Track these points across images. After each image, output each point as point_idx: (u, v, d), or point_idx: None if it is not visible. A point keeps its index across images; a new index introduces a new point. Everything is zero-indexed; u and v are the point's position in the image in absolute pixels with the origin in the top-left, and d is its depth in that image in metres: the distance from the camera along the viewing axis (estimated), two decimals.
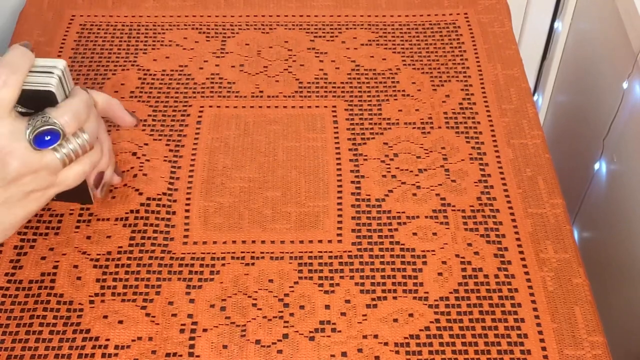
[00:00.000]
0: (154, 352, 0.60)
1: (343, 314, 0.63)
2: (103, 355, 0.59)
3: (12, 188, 0.56)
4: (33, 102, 0.57)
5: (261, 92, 0.81)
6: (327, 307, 0.63)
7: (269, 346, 0.60)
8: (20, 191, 0.57)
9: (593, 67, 1.10)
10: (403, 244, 0.67)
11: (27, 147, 0.56)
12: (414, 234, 0.68)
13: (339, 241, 0.68)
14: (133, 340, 0.60)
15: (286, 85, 0.82)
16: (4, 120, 0.55)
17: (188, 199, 0.71)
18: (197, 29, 0.88)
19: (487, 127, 0.78)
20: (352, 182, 0.72)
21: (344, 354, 0.60)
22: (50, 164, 0.57)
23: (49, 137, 0.56)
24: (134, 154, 0.74)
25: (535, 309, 0.63)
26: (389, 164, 0.74)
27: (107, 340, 0.60)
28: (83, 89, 0.61)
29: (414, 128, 0.77)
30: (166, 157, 0.74)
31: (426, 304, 0.63)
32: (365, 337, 0.61)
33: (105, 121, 0.69)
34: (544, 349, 0.61)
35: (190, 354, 0.60)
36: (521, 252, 0.67)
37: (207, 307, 0.63)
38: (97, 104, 0.65)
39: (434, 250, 0.67)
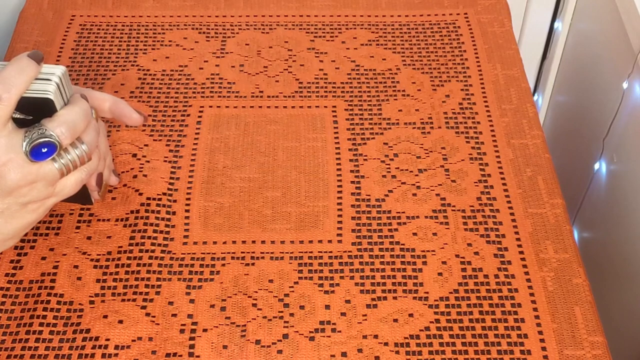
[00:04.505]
0: (154, 352, 0.60)
1: (343, 314, 0.63)
2: (103, 355, 0.59)
3: (9, 199, 0.56)
4: (31, 109, 0.57)
5: (261, 92, 0.81)
6: (327, 307, 0.63)
7: (269, 346, 0.60)
8: (18, 202, 0.57)
9: (593, 67, 1.10)
10: (403, 244, 0.68)
11: (24, 159, 0.56)
12: (414, 234, 0.68)
13: (339, 241, 0.68)
14: (133, 340, 0.61)
15: (286, 85, 0.82)
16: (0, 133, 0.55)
17: (188, 199, 0.71)
18: (197, 29, 0.88)
19: (487, 127, 0.78)
20: (352, 182, 0.72)
21: (344, 354, 0.60)
22: (48, 175, 0.57)
23: (45, 150, 0.56)
24: (134, 155, 0.74)
25: (535, 309, 0.63)
26: (389, 164, 0.74)
27: (107, 340, 0.60)
28: (83, 96, 0.61)
29: (414, 128, 0.77)
30: (166, 157, 0.74)
31: (426, 304, 0.63)
32: (365, 337, 0.61)
33: (104, 121, 0.69)
34: (544, 349, 0.61)
35: (190, 354, 0.60)
36: (521, 252, 0.67)
37: (207, 307, 0.63)
38: (105, 106, 0.65)
39: (434, 250, 0.67)
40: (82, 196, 0.65)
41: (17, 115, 0.57)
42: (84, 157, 0.59)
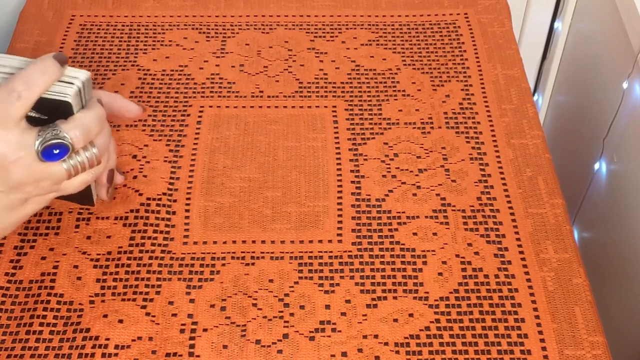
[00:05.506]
0: (154, 352, 0.60)
1: (343, 314, 0.63)
2: (103, 355, 0.59)
3: (14, 194, 0.56)
4: (48, 109, 0.57)
5: (261, 92, 0.81)
6: (327, 307, 0.63)
7: (269, 346, 0.60)
8: (22, 197, 0.57)
9: (593, 67, 1.10)
10: (403, 244, 0.68)
11: (33, 157, 0.55)
12: (414, 234, 0.68)
13: (339, 241, 0.68)
14: (133, 340, 0.60)
15: (286, 85, 0.82)
16: (12, 130, 0.55)
17: (188, 199, 0.71)
18: (197, 29, 0.88)
19: (487, 127, 0.78)
20: (352, 182, 0.72)
21: (344, 354, 0.60)
22: (56, 175, 0.57)
23: (57, 151, 0.56)
24: (134, 156, 0.74)
25: (535, 309, 0.63)
26: (389, 164, 0.74)
27: (107, 339, 0.60)
28: (99, 101, 0.60)
29: (414, 128, 0.77)
30: (166, 157, 0.74)
31: (426, 304, 0.63)
32: (365, 337, 0.61)
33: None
34: (544, 349, 0.61)
35: (191, 354, 0.60)
36: (521, 252, 0.67)
37: (207, 307, 0.63)
38: (101, 101, 0.65)
39: (434, 250, 0.67)
40: (84, 197, 0.65)
41: (32, 114, 0.57)
42: (93, 161, 0.59)
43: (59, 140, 0.56)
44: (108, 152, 0.63)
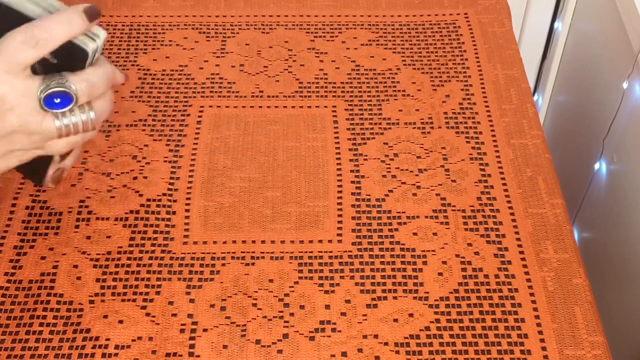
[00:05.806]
0: (154, 352, 0.60)
1: (343, 314, 0.63)
2: (103, 355, 0.59)
3: (1, 143, 0.55)
4: (60, 53, 0.55)
5: (261, 92, 0.81)
6: (327, 307, 0.63)
7: (269, 346, 0.60)
8: (7, 148, 0.56)
9: (593, 67, 1.10)
10: (403, 244, 0.67)
11: (33, 107, 0.54)
12: (414, 234, 0.68)
13: (339, 241, 0.68)
14: (133, 340, 0.60)
15: (286, 85, 0.82)
16: (18, 76, 0.53)
17: (188, 199, 0.71)
18: (197, 29, 0.88)
19: (487, 127, 0.78)
20: (352, 182, 0.72)
21: (344, 354, 0.60)
22: (46, 131, 0.56)
23: (58, 100, 0.55)
24: (134, 157, 0.74)
25: (535, 309, 0.63)
26: (389, 164, 0.74)
27: (107, 340, 0.60)
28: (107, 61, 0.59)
29: (414, 128, 0.77)
30: (166, 157, 0.74)
31: (426, 304, 0.63)
32: (365, 337, 0.61)
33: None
34: (544, 349, 0.61)
35: (190, 354, 0.60)
36: (521, 252, 0.67)
37: (207, 307, 0.63)
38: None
39: (434, 250, 0.67)
40: (37, 171, 0.62)
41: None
42: (87, 125, 0.57)
43: (64, 89, 0.54)
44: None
